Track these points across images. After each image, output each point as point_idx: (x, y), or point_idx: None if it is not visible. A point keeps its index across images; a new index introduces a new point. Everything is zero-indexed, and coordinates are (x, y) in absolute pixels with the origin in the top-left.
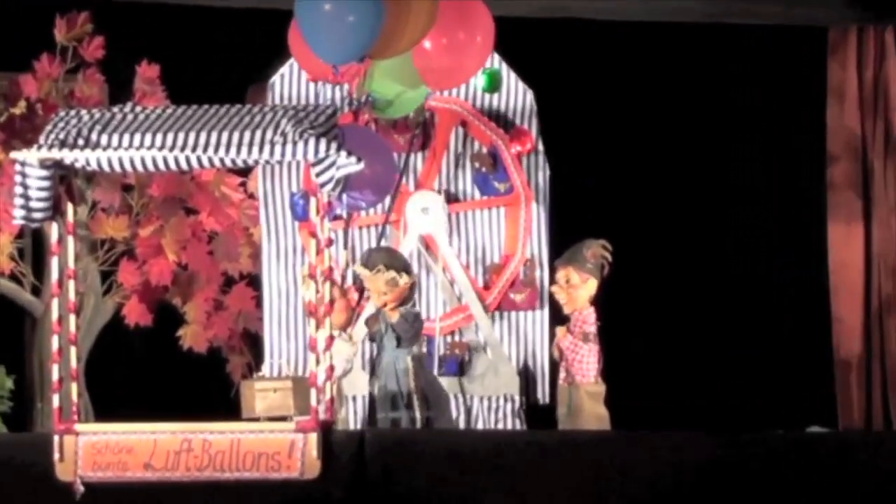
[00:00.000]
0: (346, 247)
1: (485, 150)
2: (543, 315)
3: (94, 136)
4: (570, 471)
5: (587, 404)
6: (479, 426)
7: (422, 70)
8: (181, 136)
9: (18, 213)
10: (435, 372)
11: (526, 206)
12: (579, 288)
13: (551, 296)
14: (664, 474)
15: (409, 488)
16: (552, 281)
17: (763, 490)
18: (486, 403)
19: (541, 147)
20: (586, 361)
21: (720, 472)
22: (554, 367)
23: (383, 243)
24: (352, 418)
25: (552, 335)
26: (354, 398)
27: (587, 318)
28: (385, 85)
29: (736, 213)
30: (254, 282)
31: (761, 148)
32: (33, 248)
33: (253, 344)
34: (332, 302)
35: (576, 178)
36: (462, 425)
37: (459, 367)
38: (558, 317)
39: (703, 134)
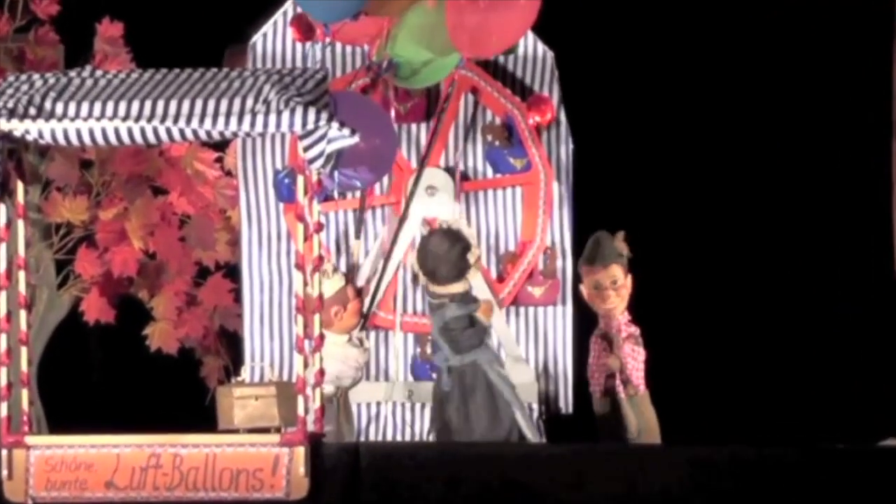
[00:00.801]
0: (357, 236)
1: (498, 120)
2: (566, 312)
3: (47, 105)
4: (597, 487)
5: (654, 415)
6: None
7: (453, 30)
8: (148, 104)
9: None
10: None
11: (546, 185)
12: (625, 287)
13: (576, 291)
14: (716, 490)
15: None
16: (580, 278)
17: None
18: None
19: (563, 117)
20: (642, 368)
21: (775, 491)
22: (579, 372)
23: (383, 229)
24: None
25: (581, 336)
26: (370, 406)
27: (629, 320)
28: (410, 49)
29: (789, 196)
30: (232, 273)
31: (817, 118)
32: None
33: (231, 344)
34: (344, 303)
35: (604, 152)
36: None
37: None
38: (585, 314)
39: (753, 102)
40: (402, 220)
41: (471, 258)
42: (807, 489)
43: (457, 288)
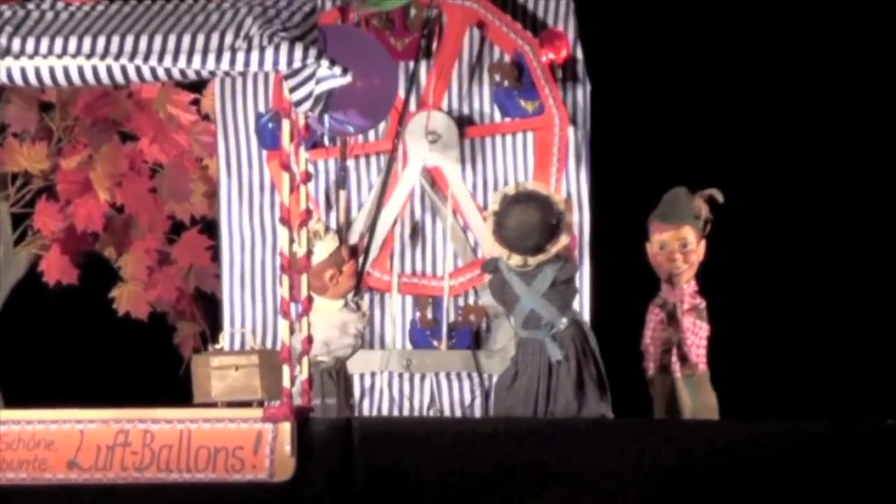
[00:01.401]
0: (342, 186)
1: (507, 58)
2: (583, 270)
3: (2, 41)
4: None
5: (712, 395)
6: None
7: None
8: (115, 40)
9: None
10: (443, 344)
11: (560, 130)
12: (695, 252)
13: (595, 249)
14: (767, 466)
15: (407, 492)
16: (647, 235)
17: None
18: None
19: (580, 54)
20: (704, 345)
21: (829, 468)
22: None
23: (375, 181)
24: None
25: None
26: (363, 377)
27: (695, 291)
28: None
29: (844, 154)
30: (209, 228)
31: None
32: None
33: (208, 308)
34: (339, 265)
35: (626, 93)
36: (478, 412)
37: (475, 338)
38: (605, 276)
39: (805, 36)
40: (390, 163)
41: (564, 217)
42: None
43: (556, 247)
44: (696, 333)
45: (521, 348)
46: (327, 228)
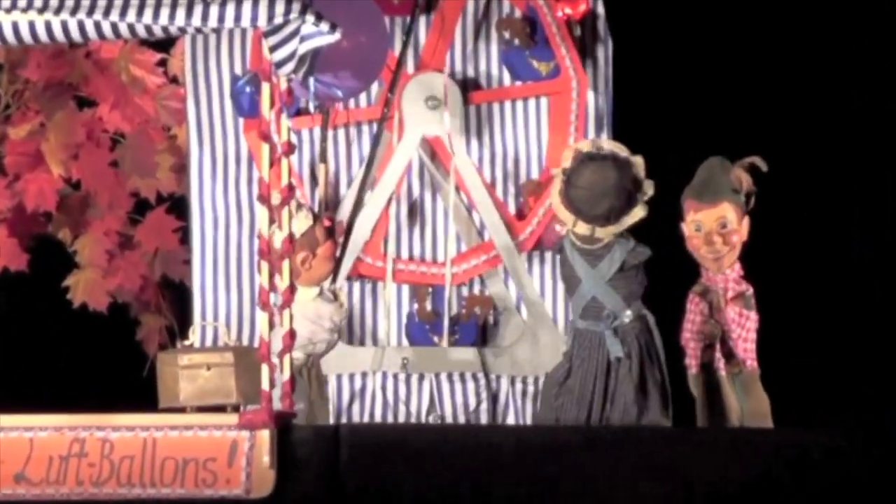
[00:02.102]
0: (322, 159)
1: (518, 12)
2: None
3: None
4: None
5: (764, 397)
6: (510, 419)
7: None
8: None
9: None
10: (444, 340)
11: (579, 95)
12: (737, 232)
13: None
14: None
15: None
16: (682, 215)
17: None
18: (520, 387)
19: (601, 8)
20: (752, 338)
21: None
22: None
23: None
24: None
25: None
26: (353, 377)
27: (739, 276)
28: None
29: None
30: (177, 207)
31: None
32: None
33: (176, 299)
34: (313, 247)
35: (654, 54)
36: (484, 418)
37: (481, 333)
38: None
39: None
40: (378, 132)
41: (644, 185)
42: None
43: (629, 221)
44: (742, 325)
45: (576, 341)
46: (300, 205)
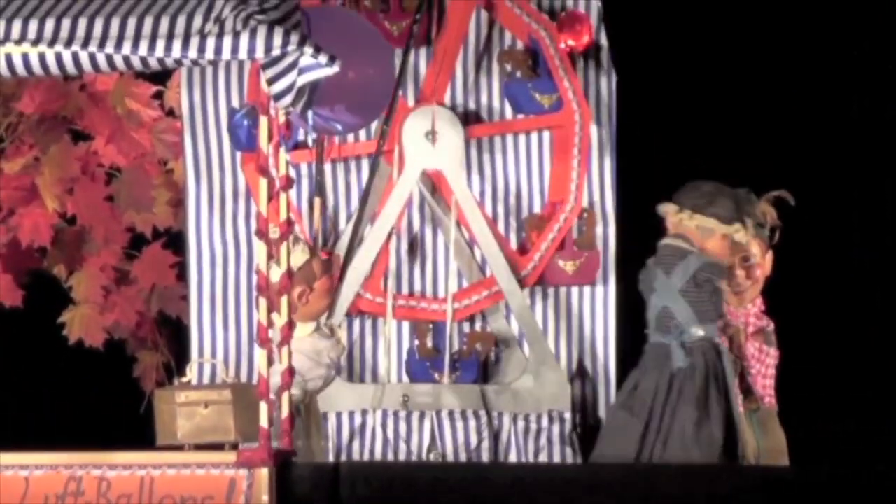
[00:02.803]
0: (318, 192)
1: (520, 44)
2: (608, 293)
3: None
4: None
5: (781, 435)
6: (512, 457)
7: None
8: (66, 23)
9: None
10: (445, 377)
11: (582, 129)
12: (761, 266)
13: (621, 266)
14: None
15: None
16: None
17: None
18: (523, 424)
19: (604, 41)
20: (771, 374)
21: None
22: (624, 371)
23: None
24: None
25: (627, 324)
26: (325, 416)
27: (761, 311)
28: None
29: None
30: (174, 242)
31: None
32: None
33: (173, 335)
34: (309, 281)
35: (657, 87)
36: (485, 456)
37: (482, 370)
38: (632, 296)
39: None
40: (374, 165)
41: (754, 218)
42: None
43: (711, 222)
44: (762, 361)
45: (646, 355)
46: (296, 239)
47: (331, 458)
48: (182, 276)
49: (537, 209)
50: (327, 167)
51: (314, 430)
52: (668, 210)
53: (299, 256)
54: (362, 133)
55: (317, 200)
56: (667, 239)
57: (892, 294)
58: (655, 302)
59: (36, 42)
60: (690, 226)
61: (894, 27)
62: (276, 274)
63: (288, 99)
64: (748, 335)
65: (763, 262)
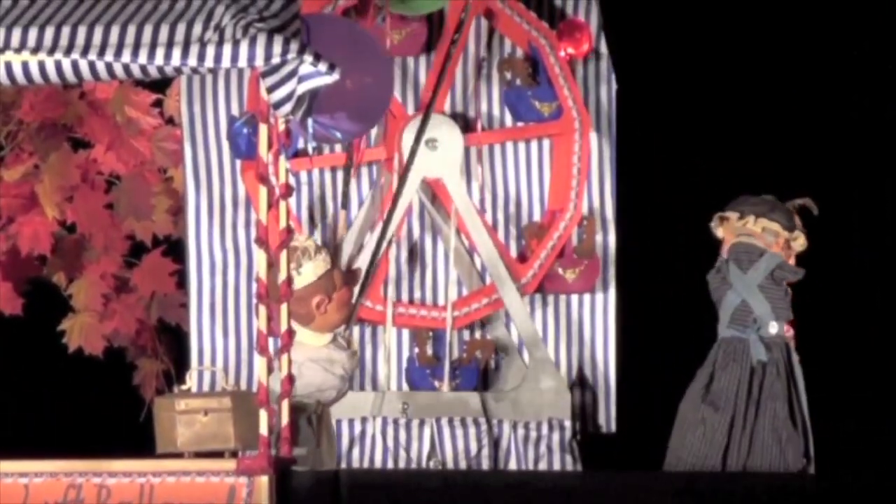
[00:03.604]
0: (344, 205)
1: (520, 52)
2: (608, 301)
3: None
4: None
5: None
6: (512, 465)
7: None
8: (66, 31)
9: None
10: (445, 384)
11: (582, 136)
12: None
13: (621, 274)
14: None
15: None
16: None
17: None
18: (522, 432)
19: (604, 48)
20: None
21: None
22: (624, 379)
23: (366, 195)
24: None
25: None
26: (352, 422)
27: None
28: None
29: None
30: (174, 250)
31: None
32: None
33: (173, 343)
34: (329, 292)
35: (657, 94)
36: (485, 463)
37: (482, 378)
38: (632, 304)
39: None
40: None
41: (798, 231)
42: None
43: (775, 226)
44: None
45: (720, 349)
46: (318, 247)
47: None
48: (182, 283)
49: (537, 217)
50: (327, 176)
51: (325, 440)
52: (729, 217)
53: (320, 265)
54: (361, 141)
55: (344, 213)
56: (741, 237)
57: (892, 294)
58: (732, 297)
59: (36, 50)
60: (756, 229)
61: (891, 30)
62: (297, 280)
63: (288, 107)
64: None
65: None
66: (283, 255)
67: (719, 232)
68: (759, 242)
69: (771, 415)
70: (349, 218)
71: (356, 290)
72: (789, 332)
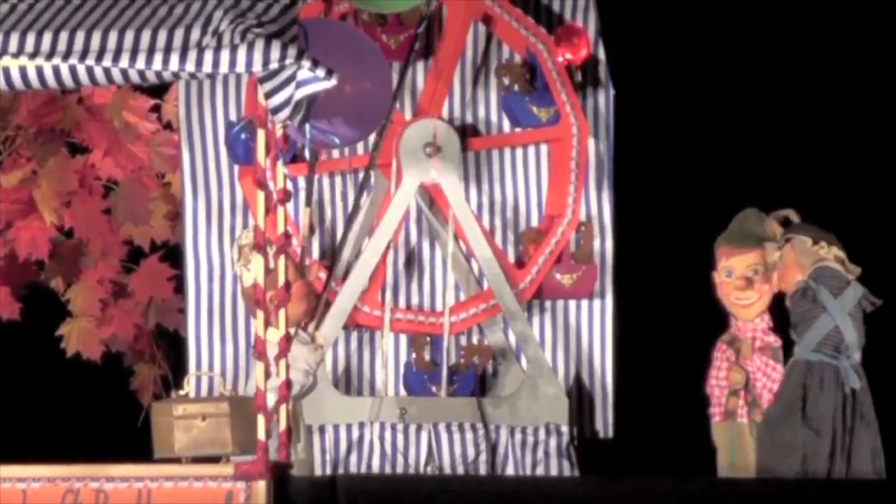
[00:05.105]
0: (308, 203)
1: (518, 58)
2: (605, 306)
3: None
4: None
5: None
6: (509, 470)
7: None
8: (64, 37)
9: None
10: (442, 390)
11: (579, 142)
12: (768, 282)
13: (619, 279)
14: None
15: None
16: (714, 263)
17: None
18: (520, 437)
19: (602, 55)
20: (775, 391)
21: None
22: (621, 385)
23: (365, 198)
24: (318, 458)
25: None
26: (323, 429)
27: (769, 327)
28: None
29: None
30: (172, 255)
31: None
32: None
33: (171, 348)
34: (286, 284)
35: (655, 100)
36: (483, 469)
37: (480, 382)
38: (630, 309)
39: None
40: (365, 178)
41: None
42: None
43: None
44: (769, 375)
45: (808, 373)
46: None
47: (328, 471)
48: (179, 289)
49: (535, 222)
50: (325, 181)
51: (294, 439)
52: (804, 241)
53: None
54: (359, 146)
55: (308, 210)
56: (824, 263)
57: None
58: (826, 321)
59: (34, 55)
60: (829, 256)
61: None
62: (247, 279)
63: (285, 112)
64: (755, 349)
65: (771, 278)
66: (281, 260)
67: (782, 250)
68: (841, 269)
69: (868, 442)
70: (346, 221)
71: (316, 282)
72: (769, 340)
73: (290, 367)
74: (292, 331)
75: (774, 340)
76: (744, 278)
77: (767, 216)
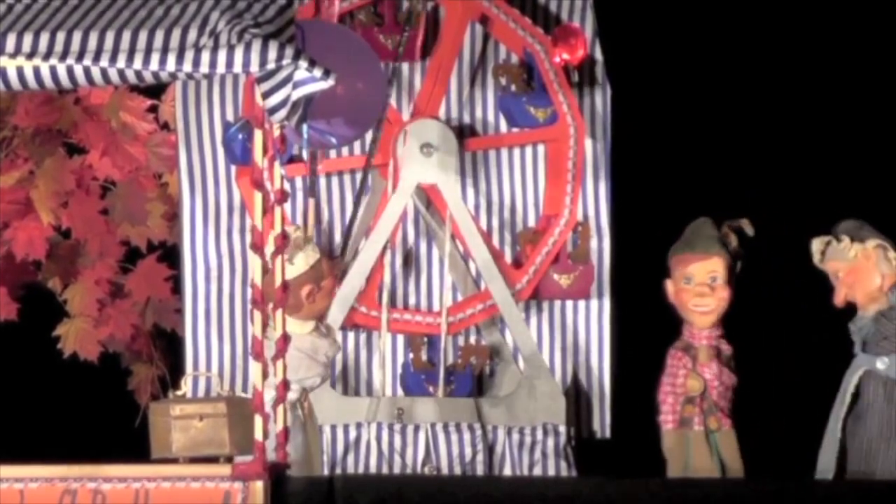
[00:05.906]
0: (312, 195)
1: (515, 58)
2: (602, 307)
3: None
4: None
5: (738, 456)
6: (507, 470)
7: None
8: (61, 37)
9: None
10: (440, 390)
11: (577, 142)
12: (724, 289)
13: (615, 279)
14: None
15: None
16: (668, 272)
17: None
18: (517, 437)
19: (599, 55)
20: (730, 398)
21: None
22: (618, 385)
23: (365, 199)
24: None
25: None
26: (320, 429)
27: (719, 334)
28: None
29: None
30: (169, 255)
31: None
32: None
33: (168, 348)
34: (318, 281)
35: (652, 100)
36: (480, 469)
37: (477, 383)
38: (627, 310)
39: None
40: (363, 179)
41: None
42: None
43: None
44: (724, 382)
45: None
46: (307, 238)
47: (325, 472)
48: (177, 289)
49: (532, 223)
50: (321, 182)
51: (312, 431)
52: (884, 247)
53: (310, 255)
54: (356, 147)
55: (312, 202)
56: None
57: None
58: None
59: (31, 56)
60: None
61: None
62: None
63: (283, 113)
64: (711, 357)
65: (725, 285)
66: (279, 261)
67: (850, 253)
68: None
69: None
70: (343, 223)
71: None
72: (723, 347)
73: (312, 360)
74: (312, 324)
75: (727, 348)
76: (705, 285)
77: (720, 225)
